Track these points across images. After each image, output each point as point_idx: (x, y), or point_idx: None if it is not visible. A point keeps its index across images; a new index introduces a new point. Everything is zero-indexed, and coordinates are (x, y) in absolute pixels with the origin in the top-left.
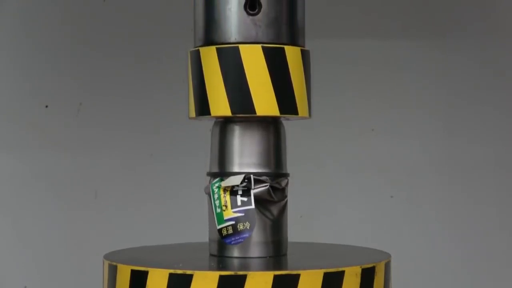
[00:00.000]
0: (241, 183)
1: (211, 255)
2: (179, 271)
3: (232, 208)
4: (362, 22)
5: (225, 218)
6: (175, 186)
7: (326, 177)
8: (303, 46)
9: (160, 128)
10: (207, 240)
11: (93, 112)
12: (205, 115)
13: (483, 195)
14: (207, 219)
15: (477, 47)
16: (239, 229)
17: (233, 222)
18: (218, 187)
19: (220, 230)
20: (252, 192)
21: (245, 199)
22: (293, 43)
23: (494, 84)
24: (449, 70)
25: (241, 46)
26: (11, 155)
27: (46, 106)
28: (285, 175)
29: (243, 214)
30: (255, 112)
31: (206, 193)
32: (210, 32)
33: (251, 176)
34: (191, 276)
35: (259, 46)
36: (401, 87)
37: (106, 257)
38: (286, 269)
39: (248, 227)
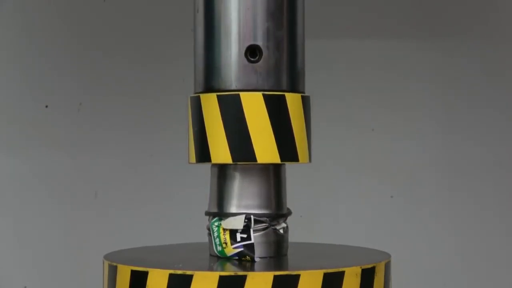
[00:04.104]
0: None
1: (211, 255)
2: (179, 272)
3: (231, 244)
4: (362, 22)
5: (228, 255)
6: (175, 186)
7: (326, 177)
8: (303, 92)
9: (160, 128)
10: (207, 240)
11: (93, 112)
12: (206, 161)
13: (483, 195)
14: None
15: (477, 47)
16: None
17: (236, 257)
18: (218, 226)
19: None
20: (252, 230)
21: (244, 235)
22: (294, 89)
23: (494, 84)
24: (449, 70)
25: (242, 94)
26: (11, 155)
27: (46, 106)
28: (285, 215)
29: (242, 249)
30: (256, 160)
31: (207, 229)
32: (211, 78)
33: (251, 216)
34: (191, 276)
35: (260, 94)
36: (401, 87)
37: (106, 257)
38: (286, 269)
39: (248, 259)
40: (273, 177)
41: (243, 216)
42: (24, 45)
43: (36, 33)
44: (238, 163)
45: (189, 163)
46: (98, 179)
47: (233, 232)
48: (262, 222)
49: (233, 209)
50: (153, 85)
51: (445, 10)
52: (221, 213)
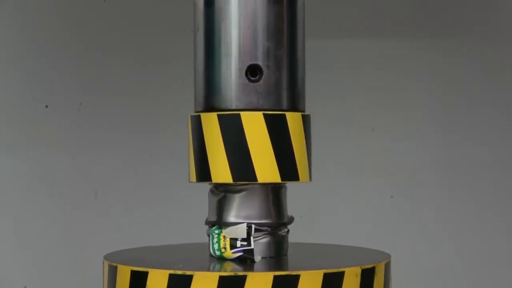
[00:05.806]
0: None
1: (211, 255)
2: (179, 272)
3: (231, 249)
4: (362, 22)
5: (227, 258)
6: (175, 186)
7: (326, 177)
8: (303, 111)
9: (160, 128)
10: (207, 240)
11: (93, 112)
12: (206, 181)
13: (483, 195)
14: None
15: (477, 47)
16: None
17: (236, 261)
18: (218, 234)
19: None
20: (252, 237)
21: (244, 243)
22: (294, 108)
23: (494, 84)
24: (449, 70)
25: (242, 114)
26: (11, 155)
27: (46, 106)
28: (286, 224)
29: (241, 253)
30: (256, 180)
31: (207, 236)
32: (211, 97)
33: (252, 225)
34: (191, 276)
35: (260, 113)
36: (401, 87)
37: (106, 257)
38: (286, 269)
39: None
40: (273, 189)
41: (245, 225)
42: (24, 45)
43: (36, 33)
44: (239, 183)
45: (190, 182)
46: (98, 179)
47: (233, 240)
48: (262, 231)
49: (232, 219)
50: (153, 85)
51: (445, 10)
52: (220, 222)
